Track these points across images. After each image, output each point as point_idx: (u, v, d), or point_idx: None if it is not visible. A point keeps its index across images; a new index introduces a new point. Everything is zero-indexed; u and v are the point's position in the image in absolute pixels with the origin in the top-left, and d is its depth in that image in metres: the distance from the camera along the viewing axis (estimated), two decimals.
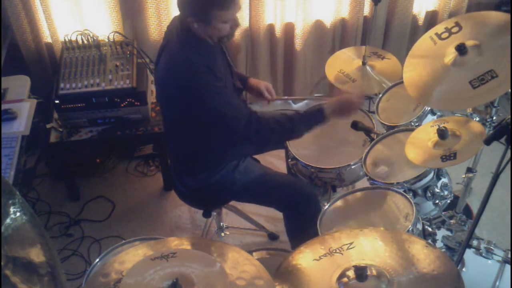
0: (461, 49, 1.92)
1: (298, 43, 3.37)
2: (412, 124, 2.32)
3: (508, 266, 2.14)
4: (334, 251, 1.67)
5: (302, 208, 2.37)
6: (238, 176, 2.37)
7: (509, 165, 1.53)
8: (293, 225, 2.49)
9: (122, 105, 2.82)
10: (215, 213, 2.77)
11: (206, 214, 2.63)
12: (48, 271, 1.37)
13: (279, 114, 2.27)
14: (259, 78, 3.43)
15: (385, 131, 2.36)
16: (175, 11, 3.11)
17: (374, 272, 1.55)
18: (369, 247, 1.67)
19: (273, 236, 2.91)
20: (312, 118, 2.25)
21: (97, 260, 1.97)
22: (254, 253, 2.08)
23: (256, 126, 2.14)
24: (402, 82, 2.13)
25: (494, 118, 2.19)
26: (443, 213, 2.45)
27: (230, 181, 2.37)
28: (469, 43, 1.93)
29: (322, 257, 1.66)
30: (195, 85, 2.05)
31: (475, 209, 2.88)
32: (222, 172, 2.36)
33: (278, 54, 3.43)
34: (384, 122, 2.41)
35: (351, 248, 1.66)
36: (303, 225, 2.36)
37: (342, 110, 2.27)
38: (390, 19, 3.42)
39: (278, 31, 3.31)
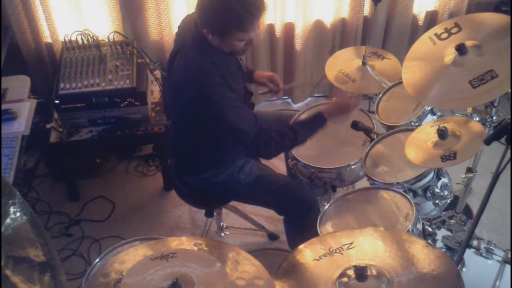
0: (461, 49, 1.92)
1: (298, 43, 3.37)
2: (412, 124, 2.32)
3: (508, 266, 2.14)
4: (334, 251, 1.67)
5: (302, 214, 2.38)
6: (243, 177, 2.38)
7: (509, 165, 1.53)
8: (292, 229, 2.50)
9: (122, 105, 2.82)
10: (215, 213, 2.77)
11: (208, 214, 2.64)
12: (48, 271, 1.37)
13: (282, 127, 2.32)
14: None
15: (385, 131, 2.36)
16: (175, 11, 3.12)
17: (374, 272, 1.55)
18: (369, 247, 1.67)
19: (273, 236, 2.91)
20: (313, 124, 2.29)
21: (97, 260, 1.97)
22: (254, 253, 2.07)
23: (264, 139, 2.18)
24: (402, 82, 2.13)
25: (494, 118, 2.19)
26: (443, 213, 2.45)
27: (234, 181, 2.38)
28: (469, 43, 1.93)
29: (322, 257, 1.66)
30: (210, 97, 2.06)
31: (475, 209, 2.88)
32: (227, 172, 2.37)
33: (278, 54, 3.43)
34: (384, 122, 2.41)
35: (351, 248, 1.67)
36: (302, 230, 2.36)
37: (341, 113, 2.31)
38: (390, 19, 3.42)
39: (278, 31, 3.31)
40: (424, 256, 1.59)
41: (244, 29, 2.00)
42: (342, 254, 1.65)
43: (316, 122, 2.29)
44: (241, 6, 1.94)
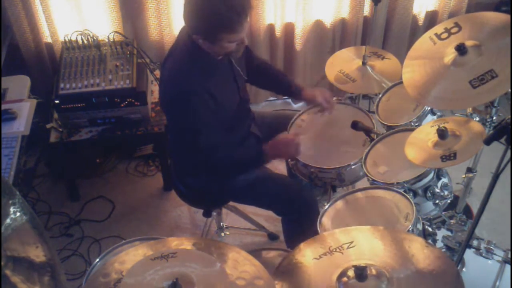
0: (461, 49, 1.91)
1: (298, 43, 3.37)
2: (412, 124, 2.32)
3: (508, 266, 2.14)
4: (334, 250, 1.67)
5: (302, 214, 2.37)
6: (242, 178, 2.37)
7: (509, 165, 1.53)
8: (291, 229, 2.50)
9: (122, 105, 2.82)
10: (215, 213, 2.77)
11: (207, 214, 2.64)
12: (48, 271, 1.37)
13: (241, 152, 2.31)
14: None
15: (385, 131, 2.36)
16: (175, 11, 3.12)
17: (374, 271, 1.55)
18: (369, 246, 1.67)
19: (273, 236, 2.91)
20: (252, 161, 2.30)
21: (97, 260, 1.97)
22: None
23: (212, 162, 2.22)
24: (402, 82, 2.13)
25: (494, 118, 2.19)
26: (443, 213, 2.45)
27: (232, 182, 2.37)
28: (469, 43, 1.93)
29: (322, 256, 1.66)
30: (185, 100, 2.08)
31: (475, 209, 2.88)
32: None
33: (278, 54, 3.43)
34: (384, 122, 2.41)
35: (351, 247, 1.67)
36: (301, 231, 2.35)
37: (282, 151, 2.32)
38: (390, 19, 3.42)
39: (278, 31, 3.31)
40: (424, 256, 1.59)
41: (233, 30, 1.98)
42: (342, 253, 1.65)
43: (256, 160, 2.29)
44: (226, 8, 1.91)
